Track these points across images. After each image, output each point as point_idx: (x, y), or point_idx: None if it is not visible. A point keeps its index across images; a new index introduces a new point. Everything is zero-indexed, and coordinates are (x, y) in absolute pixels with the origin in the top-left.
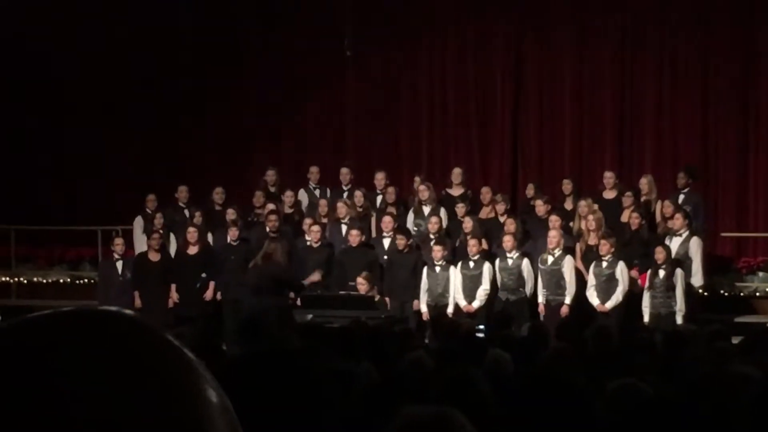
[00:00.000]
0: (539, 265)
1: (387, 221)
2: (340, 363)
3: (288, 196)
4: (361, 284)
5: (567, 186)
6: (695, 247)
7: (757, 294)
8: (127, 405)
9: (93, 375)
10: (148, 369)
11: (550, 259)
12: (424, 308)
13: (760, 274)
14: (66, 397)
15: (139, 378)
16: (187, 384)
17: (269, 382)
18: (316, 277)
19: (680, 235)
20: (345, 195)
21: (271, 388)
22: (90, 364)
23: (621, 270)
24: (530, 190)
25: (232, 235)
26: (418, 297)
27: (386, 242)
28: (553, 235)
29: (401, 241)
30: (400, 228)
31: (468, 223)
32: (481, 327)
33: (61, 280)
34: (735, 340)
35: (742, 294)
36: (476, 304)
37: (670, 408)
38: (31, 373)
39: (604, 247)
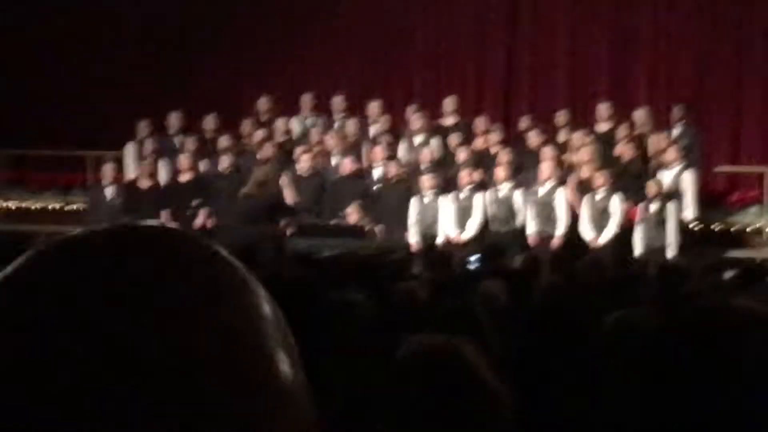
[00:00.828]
0: (531, 196)
1: (378, 150)
2: (334, 293)
3: (280, 124)
4: (352, 213)
5: (560, 118)
6: (688, 180)
7: (748, 229)
8: (191, 322)
9: (157, 293)
10: (206, 284)
11: (542, 191)
12: (414, 238)
13: (752, 209)
14: (134, 316)
15: (199, 294)
16: (244, 299)
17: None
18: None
19: (673, 168)
20: (337, 124)
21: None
22: (153, 282)
23: (615, 203)
24: (523, 122)
25: (225, 163)
26: (405, 226)
27: (377, 172)
28: (546, 167)
29: (392, 170)
30: (391, 157)
31: (461, 154)
32: (473, 258)
33: (51, 206)
34: (726, 275)
35: (733, 229)
36: (467, 234)
37: (672, 340)
38: (93, 294)
39: (599, 179)
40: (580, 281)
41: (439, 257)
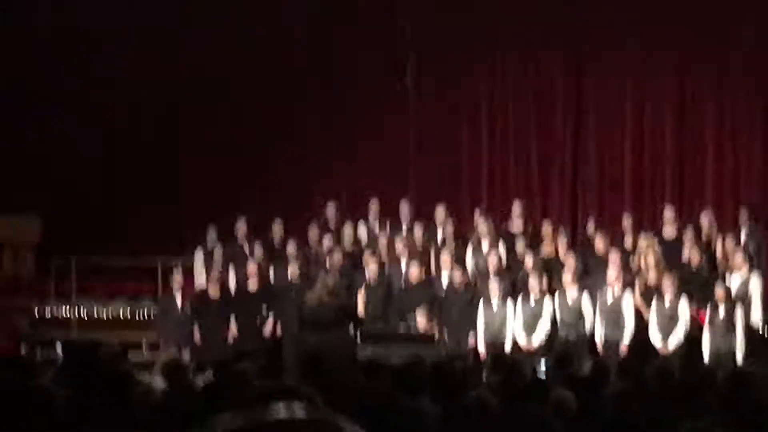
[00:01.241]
0: (599, 301)
1: (446, 257)
2: (406, 401)
3: (348, 231)
4: (420, 320)
5: (627, 222)
6: (756, 284)
7: None
8: None
9: None
10: None
11: (610, 296)
12: (482, 345)
13: None
14: None
15: None
16: None
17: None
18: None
19: (741, 272)
20: (405, 230)
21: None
22: None
23: (683, 308)
24: (590, 226)
25: (293, 270)
26: (473, 333)
27: (445, 278)
28: (613, 272)
29: (458, 277)
30: (456, 264)
31: (528, 260)
32: (543, 364)
33: (121, 314)
34: None
35: None
36: (536, 341)
37: None
38: None
39: (667, 284)
40: (648, 389)
41: (509, 364)
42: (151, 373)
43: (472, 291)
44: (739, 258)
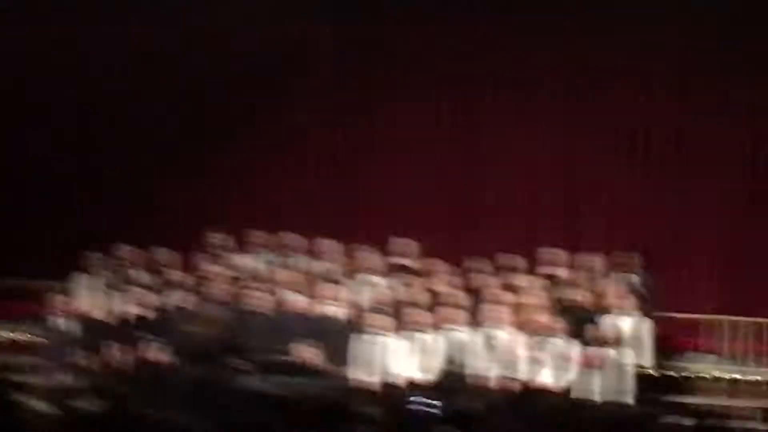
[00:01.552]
0: (489, 340)
1: (331, 289)
2: None
3: (234, 260)
4: (307, 351)
5: (516, 261)
6: (645, 328)
7: (706, 376)
8: None
9: None
10: None
11: (501, 334)
12: (368, 378)
13: (709, 356)
14: None
15: None
16: None
17: None
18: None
19: (630, 315)
20: (291, 261)
21: None
22: None
23: (573, 349)
24: (481, 264)
25: (178, 298)
26: (358, 365)
27: (330, 310)
28: (503, 311)
29: (340, 309)
30: (344, 296)
31: (417, 294)
32: (435, 402)
33: (3, 337)
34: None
35: (691, 375)
36: (423, 376)
37: None
38: None
39: (555, 325)
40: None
41: (395, 399)
42: (34, 397)
43: (357, 323)
44: (628, 300)
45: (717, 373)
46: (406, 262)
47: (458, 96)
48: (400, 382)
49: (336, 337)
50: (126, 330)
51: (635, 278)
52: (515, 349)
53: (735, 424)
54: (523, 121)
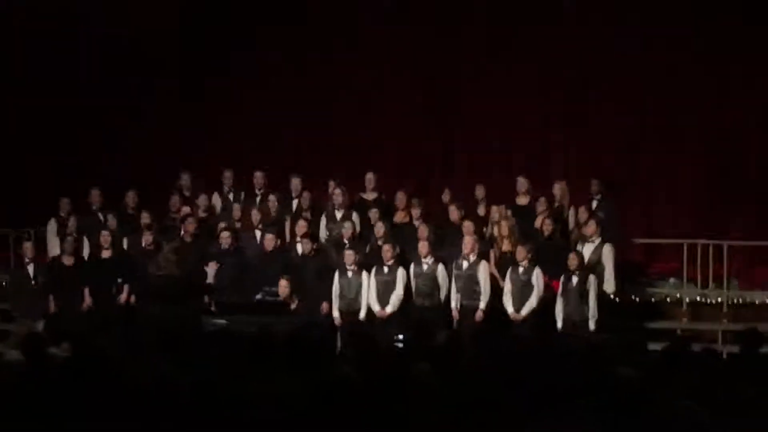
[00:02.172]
0: (454, 270)
1: (300, 226)
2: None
3: (202, 200)
4: (284, 286)
5: (480, 191)
6: (608, 253)
7: (668, 300)
8: None
9: None
10: None
11: (465, 264)
12: (336, 313)
13: (671, 280)
14: None
15: None
16: None
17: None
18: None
19: (593, 241)
20: (258, 200)
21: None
22: None
23: (537, 276)
24: (445, 196)
25: (147, 239)
26: (326, 301)
27: (300, 247)
28: (468, 241)
29: (307, 246)
30: (311, 232)
31: (380, 229)
32: (400, 337)
33: None
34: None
35: (653, 300)
36: (389, 309)
37: None
38: None
39: (521, 253)
40: (505, 363)
41: (365, 335)
42: (5, 345)
43: (324, 258)
44: (591, 227)
45: (679, 295)
46: (372, 195)
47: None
48: (370, 315)
49: (306, 273)
50: (96, 273)
51: (596, 204)
52: (481, 277)
53: (697, 347)
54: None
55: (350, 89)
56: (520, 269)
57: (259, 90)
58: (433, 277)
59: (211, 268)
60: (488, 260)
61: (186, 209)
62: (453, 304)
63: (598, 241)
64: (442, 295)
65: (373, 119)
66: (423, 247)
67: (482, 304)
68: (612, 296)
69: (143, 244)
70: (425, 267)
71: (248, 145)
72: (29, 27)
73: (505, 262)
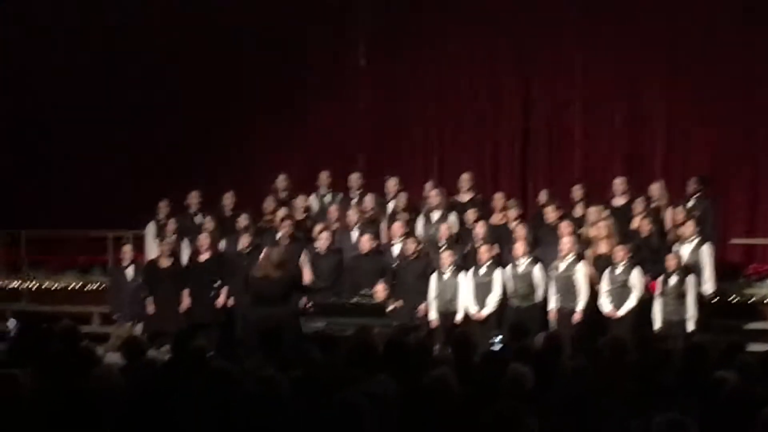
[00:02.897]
0: (552, 271)
1: (397, 227)
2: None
3: (299, 202)
4: (380, 291)
5: (577, 192)
6: (706, 254)
7: (766, 301)
8: None
9: None
10: None
11: (563, 265)
12: (433, 315)
13: None
14: None
15: None
16: None
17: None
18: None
19: (691, 242)
20: (355, 201)
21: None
22: None
23: (636, 276)
24: (542, 197)
25: (244, 242)
26: (425, 302)
27: (396, 249)
28: (566, 242)
29: (411, 246)
30: (410, 233)
31: (479, 230)
32: (498, 338)
33: (72, 285)
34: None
35: (751, 301)
36: (486, 311)
37: None
38: None
39: (619, 253)
40: (604, 364)
41: (462, 337)
42: (105, 347)
43: (426, 260)
44: (689, 227)
45: None
46: (468, 196)
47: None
48: (467, 317)
49: (407, 274)
50: (193, 276)
51: (694, 204)
52: (578, 279)
53: None
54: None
55: (443, 90)
56: (618, 269)
57: (349, 90)
58: (529, 278)
59: (306, 270)
60: (585, 261)
61: (281, 211)
62: (551, 306)
63: (696, 241)
64: (539, 296)
65: (463, 122)
66: (519, 247)
67: (580, 306)
68: (711, 297)
69: (240, 247)
70: (522, 268)
71: (343, 146)
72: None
73: (602, 263)
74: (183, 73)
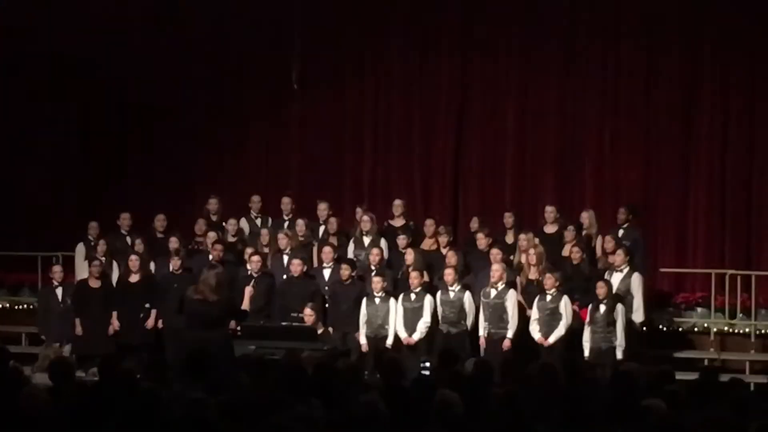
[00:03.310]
0: (482, 298)
1: (327, 251)
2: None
3: (231, 225)
4: (309, 315)
5: (508, 219)
6: (636, 283)
7: (696, 329)
8: None
9: None
10: None
11: (493, 292)
12: (363, 340)
13: (699, 309)
14: None
15: None
16: None
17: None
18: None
19: (621, 270)
20: (286, 225)
21: None
22: None
23: (565, 304)
24: (474, 223)
25: (175, 264)
26: (356, 328)
27: (327, 273)
28: (496, 269)
29: (345, 272)
30: (344, 258)
31: (410, 255)
32: (427, 364)
33: (0, 305)
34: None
35: (680, 329)
36: (416, 336)
37: None
38: None
39: (549, 281)
40: (533, 390)
41: (392, 362)
42: (33, 368)
43: (360, 286)
44: (619, 256)
45: (707, 325)
46: (400, 222)
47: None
48: (397, 342)
49: (337, 300)
50: (124, 297)
51: (625, 233)
52: (509, 305)
53: (725, 377)
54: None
55: (376, 115)
56: (548, 297)
57: (283, 116)
58: (459, 305)
59: (247, 293)
60: (516, 288)
61: (212, 234)
62: (481, 332)
63: (626, 270)
64: (469, 322)
65: (395, 147)
66: (449, 274)
67: (510, 333)
68: (640, 326)
69: (171, 269)
70: (452, 294)
71: (275, 171)
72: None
73: (532, 290)
74: (120, 93)
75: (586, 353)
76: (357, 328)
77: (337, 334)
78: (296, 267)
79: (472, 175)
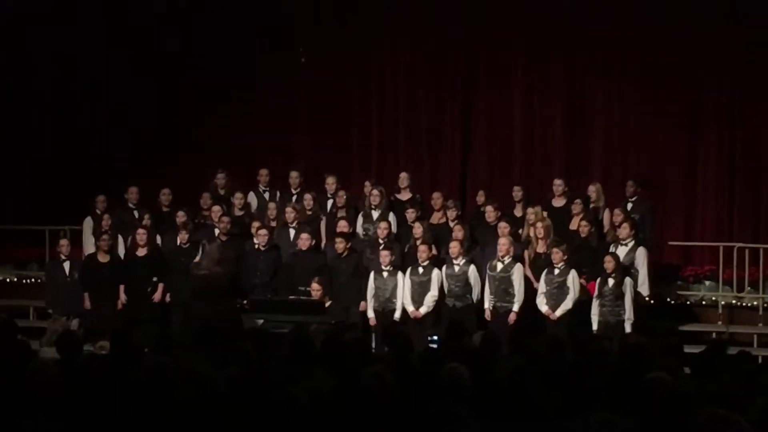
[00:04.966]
0: (488, 271)
1: (342, 225)
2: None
3: (238, 198)
4: (316, 289)
5: (517, 193)
6: (641, 257)
7: (703, 302)
8: None
9: None
10: None
11: (500, 266)
12: (371, 313)
13: (707, 282)
14: None
15: None
16: None
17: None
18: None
19: (626, 244)
20: (294, 198)
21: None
22: None
23: (572, 278)
24: (480, 197)
25: (182, 237)
26: (359, 300)
27: (334, 246)
28: (503, 242)
29: (340, 245)
30: (339, 233)
31: (418, 229)
32: (435, 337)
33: (8, 279)
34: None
35: (688, 302)
36: (424, 309)
37: None
38: None
39: (557, 255)
40: (540, 362)
41: (400, 336)
42: (41, 342)
43: (355, 258)
44: (625, 229)
45: (715, 298)
46: (407, 195)
47: (456, 32)
48: (404, 316)
49: (339, 273)
50: (131, 270)
51: (633, 206)
52: (515, 279)
53: (732, 350)
54: (520, 54)
55: (383, 88)
56: (556, 271)
57: (293, 91)
58: (464, 279)
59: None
60: (523, 262)
61: (217, 208)
62: (486, 306)
63: (632, 243)
64: (474, 296)
65: (403, 121)
66: (454, 247)
67: (516, 307)
68: (647, 299)
69: (178, 243)
70: (457, 268)
71: (283, 145)
72: None
73: (540, 264)
74: (125, 68)
75: (595, 326)
76: (356, 301)
77: (339, 308)
78: (304, 241)
79: (480, 148)
